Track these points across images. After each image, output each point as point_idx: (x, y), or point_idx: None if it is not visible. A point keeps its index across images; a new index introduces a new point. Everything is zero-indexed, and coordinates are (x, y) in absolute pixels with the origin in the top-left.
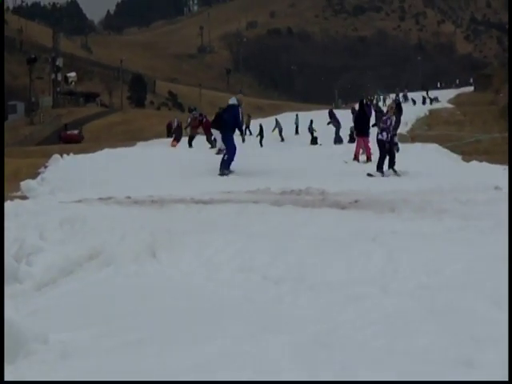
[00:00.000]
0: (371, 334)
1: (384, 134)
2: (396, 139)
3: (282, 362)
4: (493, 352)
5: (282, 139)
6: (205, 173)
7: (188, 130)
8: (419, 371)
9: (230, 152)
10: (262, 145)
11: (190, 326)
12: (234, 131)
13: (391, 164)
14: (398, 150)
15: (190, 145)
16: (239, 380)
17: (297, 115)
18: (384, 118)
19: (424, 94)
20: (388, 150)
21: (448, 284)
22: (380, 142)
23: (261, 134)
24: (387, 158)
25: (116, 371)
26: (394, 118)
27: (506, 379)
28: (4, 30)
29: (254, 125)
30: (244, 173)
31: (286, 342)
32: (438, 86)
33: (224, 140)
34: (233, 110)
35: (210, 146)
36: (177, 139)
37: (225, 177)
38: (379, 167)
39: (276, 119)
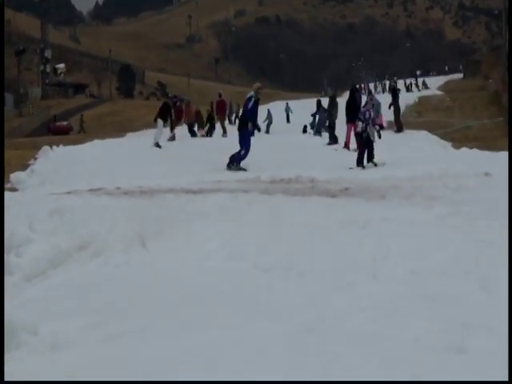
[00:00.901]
0: (361, 321)
1: (359, 123)
2: (374, 129)
3: (272, 350)
4: (484, 338)
5: (267, 131)
6: (195, 162)
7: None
8: (410, 358)
9: (243, 149)
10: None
11: (180, 315)
12: (247, 125)
13: (370, 157)
14: (379, 137)
15: (193, 134)
16: (237, 380)
17: (287, 104)
18: (363, 109)
19: (413, 80)
20: (366, 142)
21: (438, 270)
22: (357, 134)
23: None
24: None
25: (107, 362)
26: (372, 111)
27: (506, 379)
28: (4, 29)
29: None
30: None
31: (276, 330)
32: (431, 74)
33: (239, 136)
34: (246, 102)
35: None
36: (202, 127)
37: (229, 170)
38: (360, 161)
39: (268, 110)
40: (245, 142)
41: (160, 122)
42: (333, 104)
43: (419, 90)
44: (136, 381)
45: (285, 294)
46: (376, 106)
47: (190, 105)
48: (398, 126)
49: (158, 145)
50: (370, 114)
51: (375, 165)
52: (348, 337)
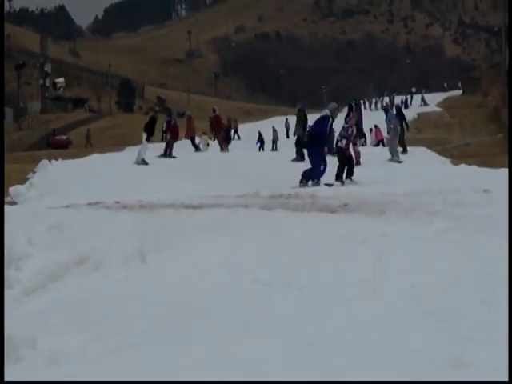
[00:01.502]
0: (361, 336)
1: (344, 141)
2: (358, 149)
3: (272, 365)
4: (484, 353)
5: (275, 148)
6: (194, 177)
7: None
8: (410, 372)
9: (314, 170)
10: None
11: (179, 330)
12: (320, 145)
13: (349, 173)
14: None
15: (197, 148)
16: (237, 380)
17: (286, 119)
18: (345, 125)
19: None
20: (348, 158)
21: (438, 285)
22: (339, 150)
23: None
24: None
25: (105, 377)
26: (355, 128)
27: (506, 379)
28: (4, 29)
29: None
30: (233, 177)
31: (275, 345)
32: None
33: (309, 156)
34: (319, 121)
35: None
36: (225, 140)
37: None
38: (339, 176)
39: (273, 127)
40: (318, 159)
41: (144, 136)
42: (300, 118)
43: (420, 105)
44: (136, 381)
45: (284, 309)
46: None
47: (191, 119)
48: (404, 146)
49: (143, 161)
50: (352, 131)
51: (352, 181)
52: (348, 351)
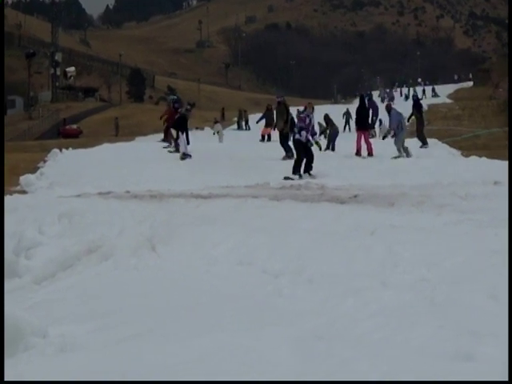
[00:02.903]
0: (370, 327)
1: (303, 133)
2: (314, 139)
3: (281, 355)
4: (491, 346)
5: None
6: (203, 167)
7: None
8: (418, 364)
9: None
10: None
11: (189, 320)
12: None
13: (308, 168)
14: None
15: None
16: (238, 380)
17: (298, 110)
18: (302, 115)
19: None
20: (306, 151)
21: (447, 277)
22: (297, 143)
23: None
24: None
25: (114, 365)
26: (313, 116)
27: (506, 379)
28: (4, 29)
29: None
30: (242, 167)
31: (284, 335)
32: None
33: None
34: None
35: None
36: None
37: (225, 172)
38: (296, 170)
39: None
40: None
41: (174, 133)
42: (280, 111)
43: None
44: (136, 381)
45: (293, 300)
46: (396, 117)
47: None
48: (422, 139)
49: (185, 155)
50: (310, 120)
51: (311, 176)
52: (357, 342)
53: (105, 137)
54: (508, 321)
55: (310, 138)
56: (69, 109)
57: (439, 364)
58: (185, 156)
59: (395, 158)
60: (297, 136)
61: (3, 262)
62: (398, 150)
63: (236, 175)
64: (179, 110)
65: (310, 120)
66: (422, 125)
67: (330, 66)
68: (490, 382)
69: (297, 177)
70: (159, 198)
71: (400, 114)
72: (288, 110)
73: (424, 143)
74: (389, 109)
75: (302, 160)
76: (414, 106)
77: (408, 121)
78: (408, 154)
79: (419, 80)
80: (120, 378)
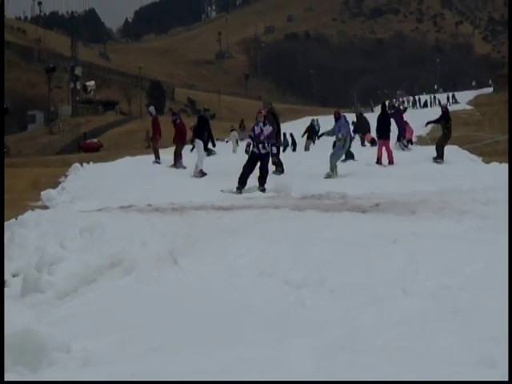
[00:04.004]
0: (393, 336)
1: (274, 148)
2: (273, 150)
3: (304, 366)
4: None
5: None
6: (224, 179)
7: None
8: (442, 372)
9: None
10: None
11: (212, 332)
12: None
13: (261, 182)
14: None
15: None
16: (238, 380)
17: (317, 120)
18: (253, 124)
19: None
20: (252, 163)
21: (468, 284)
22: (250, 153)
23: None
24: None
25: (138, 378)
26: (268, 126)
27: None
28: (4, 29)
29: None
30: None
31: (307, 346)
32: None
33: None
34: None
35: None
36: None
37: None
38: (240, 182)
39: (284, 134)
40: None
41: (198, 142)
42: (270, 120)
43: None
44: (136, 381)
45: (316, 310)
46: (347, 126)
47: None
48: (441, 153)
49: (202, 173)
50: (261, 130)
51: (263, 191)
52: (380, 351)
53: (126, 150)
54: (508, 321)
55: (266, 148)
56: (89, 122)
57: (463, 371)
58: (201, 174)
59: (326, 178)
60: (272, 149)
61: (3, 261)
62: (332, 168)
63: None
64: (177, 122)
65: (262, 129)
66: (446, 139)
67: (349, 74)
68: (490, 381)
69: (236, 191)
70: (180, 210)
71: (348, 124)
72: (278, 120)
73: (439, 157)
74: (337, 116)
75: (246, 173)
76: (442, 117)
77: (426, 125)
78: (336, 175)
79: (435, 87)
80: None
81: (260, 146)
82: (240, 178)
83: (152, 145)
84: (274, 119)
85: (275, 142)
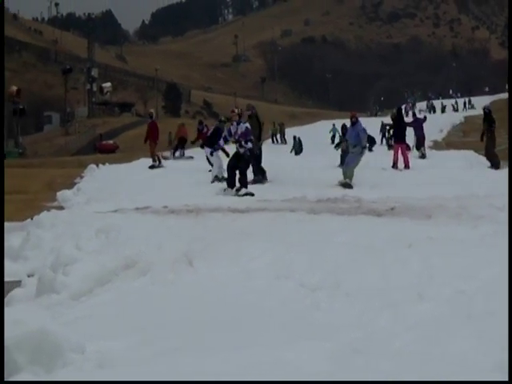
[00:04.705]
0: (408, 340)
1: (249, 144)
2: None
3: (319, 369)
4: None
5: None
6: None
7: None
8: (457, 376)
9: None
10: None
11: (227, 334)
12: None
13: (241, 182)
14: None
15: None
16: (238, 380)
17: (333, 125)
18: (243, 125)
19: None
20: (235, 161)
21: (484, 289)
22: (249, 153)
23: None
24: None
25: (152, 380)
26: (242, 124)
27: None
28: (4, 29)
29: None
30: (279, 181)
31: (322, 349)
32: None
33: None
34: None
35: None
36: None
37: (259, 185)
38: (229, 183)
39: (294, 137)
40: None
41: (207, 150)
42: (254, 125)
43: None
44: (137, 381)
45: (331, 313)
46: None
47: (184, 126)
48: (492, 159)
49: (218, 178)
50: (237, 130)
51: (238, 194)
52: (395, 356)
53: (141, 151)
54: (508, 321)
55: (244, 146)
56: (105, 124)
57: (478, 376)
58: (218, 179)
59: (342, 185)
60: (248, 146)
61: (3, 263)
62: (350, 176)
63: (272, 189)
64: (203, 131)
65: (237, 130)
66: (493, 143)
67: (365, 79)
68: (490, 382)
69: (224, 192)
70: (196, 212)
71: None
72: (261, 124)
73: (494, 164)
74: (354, 120)
75: (231, 174)
76: (485, 120)
77: (481, 139)
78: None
79: (450, 92)
80: None
81: (237, 145)
82: (227, 180)
83: (149, 150)
84: (257, 123)
85: (251, 139)
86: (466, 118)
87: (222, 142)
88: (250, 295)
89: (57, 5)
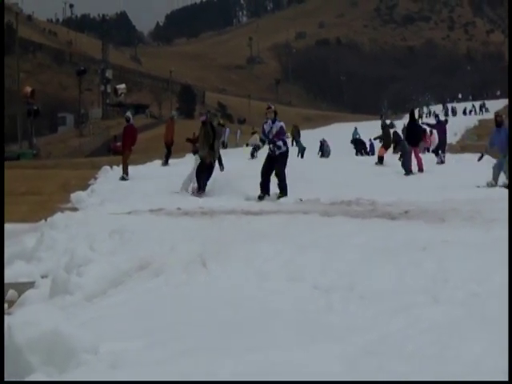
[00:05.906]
0: (422, 343)
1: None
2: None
3: (332, 371)
4: None
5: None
6: (253, 183)
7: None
8: (471, 380)
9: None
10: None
11: (240, 336)
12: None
13: (280, 187)
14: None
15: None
16: (238, 380)
17: (355, 128)
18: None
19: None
20: (269, 165)
21: (498, 292)
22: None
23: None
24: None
25: (165, 381)
26: (278, 122)
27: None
28: (4, 29)
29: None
30: (293, 184)
31: (336, 351)
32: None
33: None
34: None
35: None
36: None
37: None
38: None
39: (321, 142)
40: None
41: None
42: (207, 133)
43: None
44: (136, 381)
45: (345, 315)
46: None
47: (173, 121)
48: None
49: (185, 188)
50: (270, 127)
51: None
52: (409, 358)
53: (155, 153)
54: (508, 321)
55: (281, 147)
56: (119, 125)
57: (492, 379)
58: (185, 189)
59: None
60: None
61: (3, 263)
62: (496, 178)
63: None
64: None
65: (271, 127)
66: None
67: (380, 82)
68: (490, 382)
69: (258, 199)
70: (210, 214)
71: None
72: (215, 133)
73: None
74: (499, 123)
75: (265, 178)
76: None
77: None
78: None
79: (460, 96)
80: None
81: (271, 145)
82: (261, 185)
83: (122, 158)
84: (212, 132)
85: (285, 139)
86: (480, 121)
87: (260, 144)
88: (264, 297)
89: (71, 6)
